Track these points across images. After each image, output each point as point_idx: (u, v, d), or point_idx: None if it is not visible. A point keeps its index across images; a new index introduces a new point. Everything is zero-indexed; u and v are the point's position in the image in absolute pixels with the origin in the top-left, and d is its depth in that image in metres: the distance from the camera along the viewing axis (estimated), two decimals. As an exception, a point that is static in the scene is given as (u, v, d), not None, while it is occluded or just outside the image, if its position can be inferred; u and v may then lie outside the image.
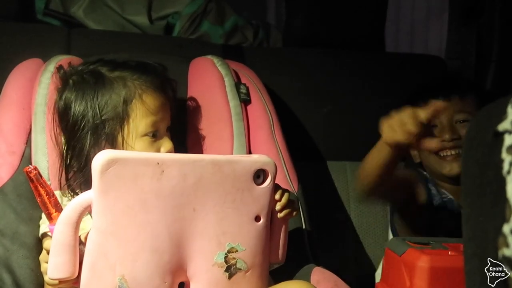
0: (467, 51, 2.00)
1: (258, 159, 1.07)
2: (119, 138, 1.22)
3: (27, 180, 1.26)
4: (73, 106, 1.24)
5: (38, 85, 1.37)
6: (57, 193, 1.25)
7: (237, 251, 1.05)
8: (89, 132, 1.22)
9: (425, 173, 1.68)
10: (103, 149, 1.16)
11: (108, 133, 1.22)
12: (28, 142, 1.34)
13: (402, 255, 1.15)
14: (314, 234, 1.44)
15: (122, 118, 1.22)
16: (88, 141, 1.22)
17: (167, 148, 1.25)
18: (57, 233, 0.97)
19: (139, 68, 1.29)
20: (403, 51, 2.68)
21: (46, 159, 1.31)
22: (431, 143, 1.60)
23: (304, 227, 1.39)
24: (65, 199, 1.24)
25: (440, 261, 1.11)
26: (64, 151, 1.25)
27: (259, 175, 1.07)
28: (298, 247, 1.35)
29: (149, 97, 1.25)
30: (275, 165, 1.09)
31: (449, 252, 1.14)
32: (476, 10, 1.96)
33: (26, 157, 1.32)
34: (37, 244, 1.25)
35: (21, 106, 1.37)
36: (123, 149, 1.22)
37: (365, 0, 1.93)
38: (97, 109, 1.22)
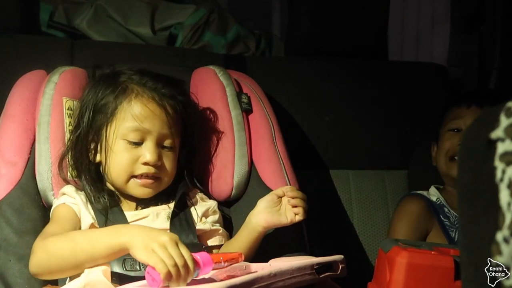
0: (469, 59, 2.00)
1: None
2: (103, 133, 1.28)
3: (24, 193, 1.30)
4: (84, 94, 1.34)
5: (42, 96, 1.39)
6: (70, 187, 1.30)
7: None
8: (84, 120, 1.30)
9: (433, 198, 1.68)
10: (90, 141, 1.29)
11: (96, 126, 1.29)
12: (31, 152, 1.35)
13: (388, 252, 1.18)
14: (316, 242, 1.44)
15: (109, 114, 1.28)
16: (82, 129, 1.30)
17: (145, 159, 1.26)
18: None
19: (154, 77, 1.32)
20: (408, 60, 2.68)
21: (49, 169, 1.32)
22: (446, 144, 1.64)
23: (306, 235, 1.40)
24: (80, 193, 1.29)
25: (418, 258, 1.13)
26: (67, 141, 1.33)
27: None
28: (300, 255, 1.35)
29: (138, 103, 1.27)
30: None
31: (432, 252, 1.15)
32: (478, 18, 1.96)
33: (29, 167, 1.34)
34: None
35: (25, 117, 1.38)
36: (102, 145, 1.28)
37: (366, 9, 1.94)
38: (96, 99, 1.30)
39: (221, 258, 1.07)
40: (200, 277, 1.05)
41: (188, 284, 1.01)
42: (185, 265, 0.99)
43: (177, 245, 1.02)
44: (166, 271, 0.97)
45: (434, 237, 1.63)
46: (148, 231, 1.06)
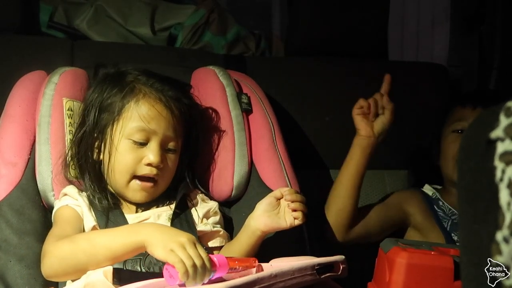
0: (469, 59, 2.00)
1: None
2: (107, 132, 1.28)
3: (24, 194, 1.30)
4: (89, 92, 1.34)
5: (42, 96, 1.39)
6: (72, 188, 1.30)
7: None
8: (90, 118, 1.30)
9: (429, 193, 1.69)
10: (94, 139, 1.28)
11: (101, 124, 1.29)
12: (32, 153, 1.35)
13: (387, 252, 1.18)
14: (316, 242, 1.44)
15: (115, 113, 1.28)
16: (88, 126, 1.30)
17: (148, 160, 1.26)
18: None
19: (161, 79, 1.33)
20: (408, 60, 2.68)
21: (50, 169, 1.32)
22: (452, 148, 1.62)
23: (306, 236, 1.40)
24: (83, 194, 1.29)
25: (418, 258, 1.13)
26: (69, 139, 1.33)
27: None
28: (301, 256, 1.35)
29: (146, 103, 1.28)
30: None
31: (432, 253, 1.15)
32: (478, 18, 1.96)
33: (30, 168, 1.34)
34: (33, 256, 1.26)
35: (25, 118, 1.38)
36: (106, 144, 1.28)
37: (366, 9, 1.93)
38: (102, 98, 1.30)
39: (236, 262, 1.08)
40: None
41: None
42: (203, 265, 1.01)
43: (195, 245, 1.03)
44: (185, 270, 0.99)
45: (427, 227, 1.63)
46: (166, 231, 1.08)
